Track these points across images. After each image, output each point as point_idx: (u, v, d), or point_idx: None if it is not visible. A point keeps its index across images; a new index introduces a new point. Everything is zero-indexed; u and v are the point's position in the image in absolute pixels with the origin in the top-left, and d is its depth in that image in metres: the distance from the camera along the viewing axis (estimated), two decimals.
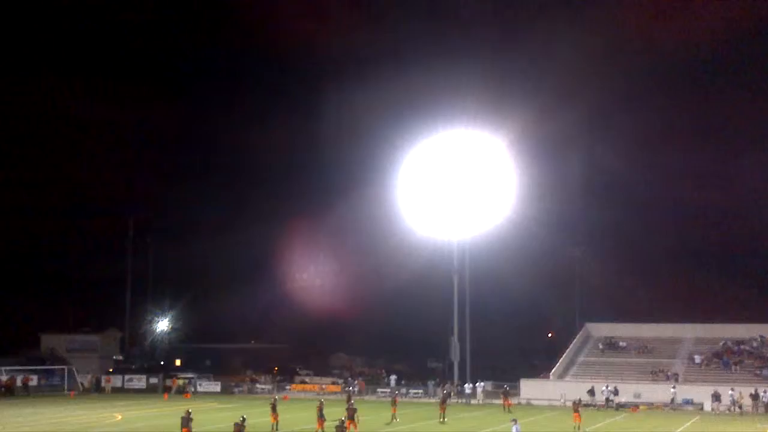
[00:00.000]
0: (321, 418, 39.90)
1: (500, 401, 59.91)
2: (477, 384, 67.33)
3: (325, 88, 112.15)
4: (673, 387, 62.00)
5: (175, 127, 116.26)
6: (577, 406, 45.63)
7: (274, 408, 42.44)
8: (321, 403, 42.63)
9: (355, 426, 38.71)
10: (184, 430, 34.12)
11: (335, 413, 41.70)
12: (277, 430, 40.78)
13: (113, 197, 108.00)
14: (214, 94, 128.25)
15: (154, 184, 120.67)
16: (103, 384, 78.69)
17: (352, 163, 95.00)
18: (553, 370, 70.54)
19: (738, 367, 66.83)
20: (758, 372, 65.07)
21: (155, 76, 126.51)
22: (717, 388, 59.89)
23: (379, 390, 73.43)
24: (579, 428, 42.51)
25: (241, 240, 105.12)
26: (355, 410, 40.08)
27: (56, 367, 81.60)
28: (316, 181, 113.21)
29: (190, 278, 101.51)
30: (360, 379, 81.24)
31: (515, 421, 32.53)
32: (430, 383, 73.29)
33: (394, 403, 50.18)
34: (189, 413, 34.81)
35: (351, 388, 71.59)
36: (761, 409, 56.20)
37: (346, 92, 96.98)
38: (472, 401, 65.21)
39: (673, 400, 60.48)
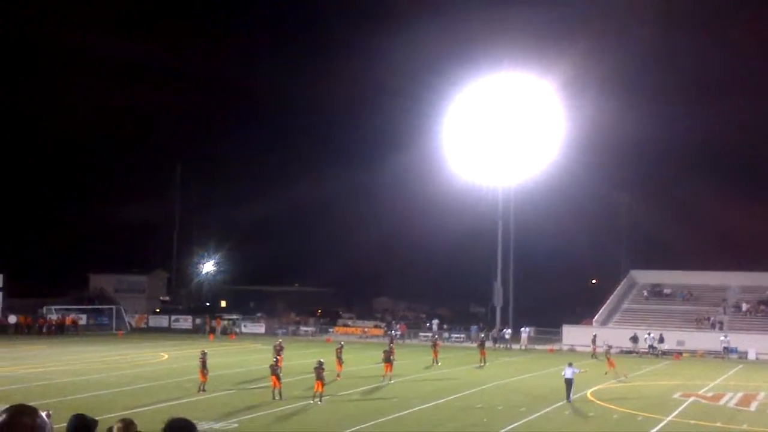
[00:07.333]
0: (339, 360, 40.28)
1: (543, 347, 59.87)
2: (522, 329, 67.08)
3: (368, 35, 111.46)
4: (725, 335, 60.72)
5: (224, 72, 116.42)
6: (608, 352, 45.64)
7: (280, 351, 41.98)
8: (341, 345, 42.91)
9: (390, 368, 39.16)
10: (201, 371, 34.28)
11: (376, 357, 42.10)
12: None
13: (161, 141, 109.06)
14: (260, 43, 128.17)
15: (201, 129, 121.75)
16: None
17: (397, 109, 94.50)
18: (596, 317, 70.33)
19: None
20: None
21: (201, 20, 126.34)
22: (762, 336, 59.19)
23: (421, 334, 73.85)
24: (615, 374, 42.38)
25: (288, 185, 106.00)
26: (390, 353, 40.46)
27: (105, 306, 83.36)
28: (361, 129, 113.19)
29: (236, 222, 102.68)
30: (402, 322, 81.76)
31: (570, 364, 33.12)
32: (473, 328, 73.44)
33: (434, 347, 50.35)
34: (204, 354, 35.01)
35: (393, 331, 72.05)
36: None
37: (389, 39, 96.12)
38: (515, 346, 65.18)
39: (725, 348, 59.03)
